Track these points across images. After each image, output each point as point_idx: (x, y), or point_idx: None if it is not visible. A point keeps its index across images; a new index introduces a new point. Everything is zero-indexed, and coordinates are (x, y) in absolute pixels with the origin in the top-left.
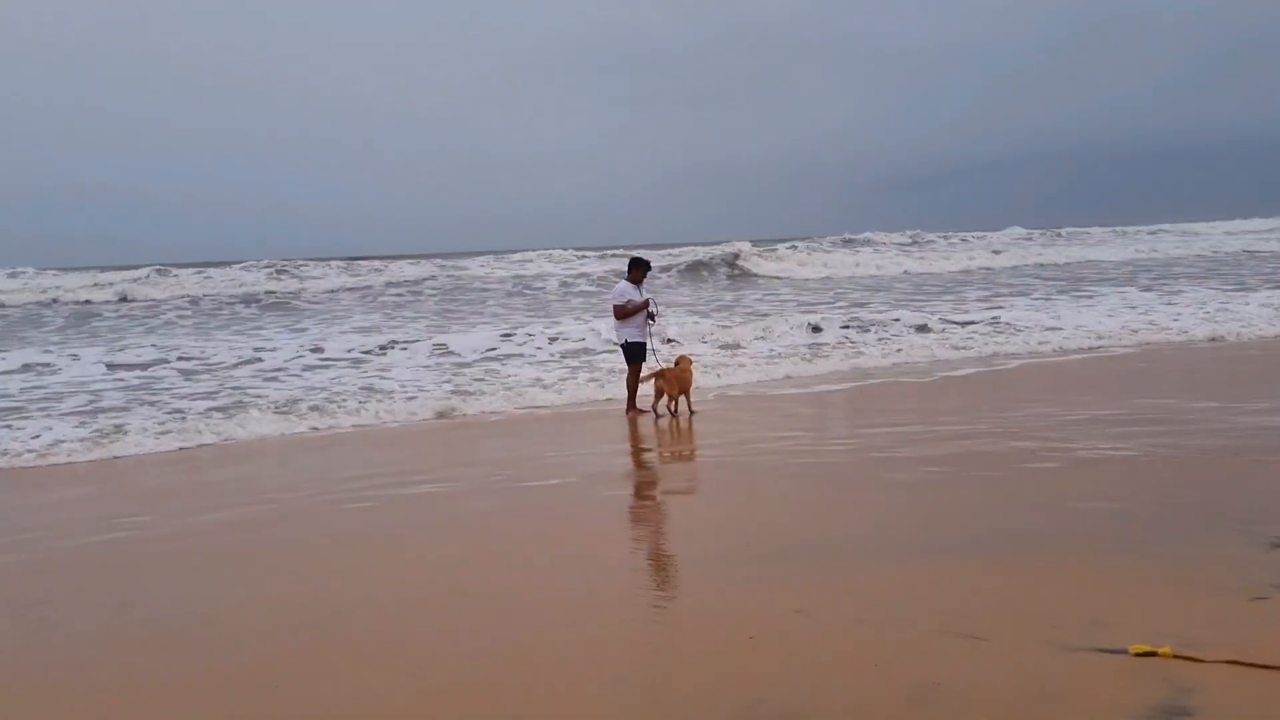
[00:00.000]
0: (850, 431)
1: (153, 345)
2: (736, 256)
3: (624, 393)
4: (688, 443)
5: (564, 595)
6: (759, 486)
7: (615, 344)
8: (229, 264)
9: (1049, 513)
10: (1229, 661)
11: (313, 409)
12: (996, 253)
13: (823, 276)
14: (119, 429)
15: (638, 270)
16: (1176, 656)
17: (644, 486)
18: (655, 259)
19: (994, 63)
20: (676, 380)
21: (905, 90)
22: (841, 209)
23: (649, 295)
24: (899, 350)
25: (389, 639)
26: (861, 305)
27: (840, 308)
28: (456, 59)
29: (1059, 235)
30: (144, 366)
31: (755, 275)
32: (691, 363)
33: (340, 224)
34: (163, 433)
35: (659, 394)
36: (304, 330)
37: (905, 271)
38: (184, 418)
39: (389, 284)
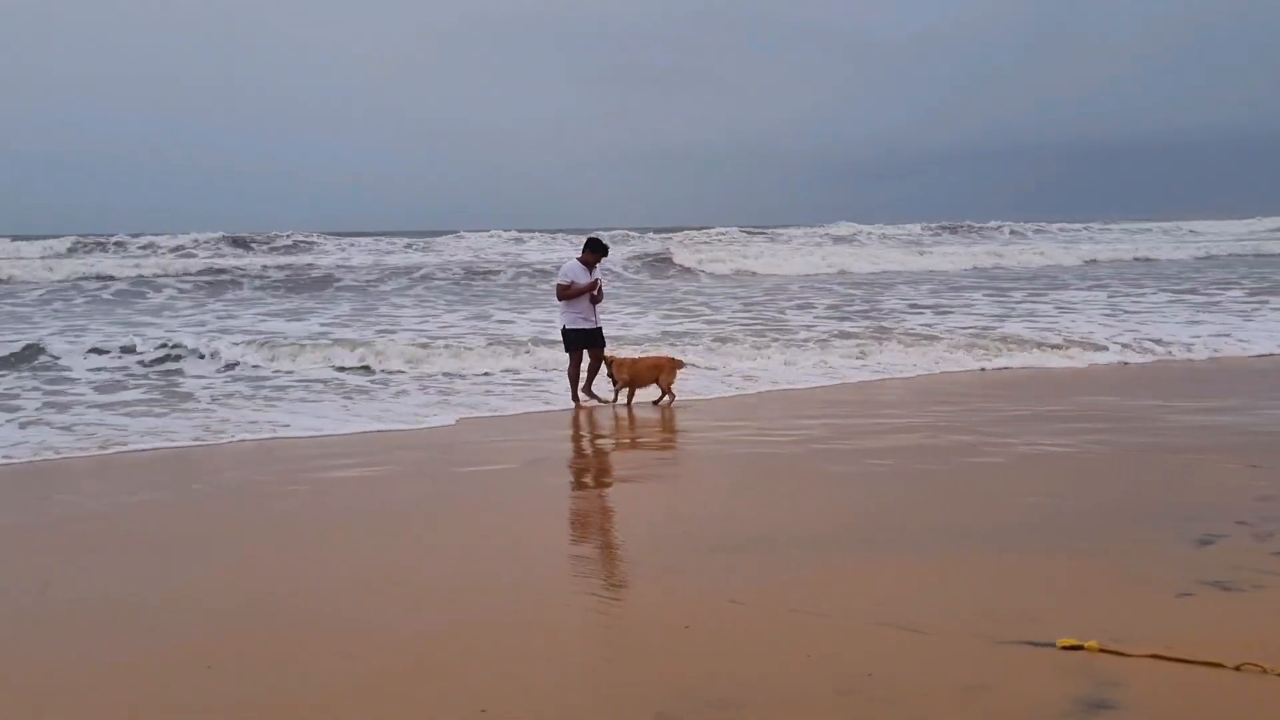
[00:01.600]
0: (793, 424)
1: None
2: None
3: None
4: (631, 432)
5: (501, 582)
6: (702, 476)
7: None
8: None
9: (987, 507)
10: (1153, 656)
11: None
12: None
13: (779, 272)
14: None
15: (591, 253)
16: (1103, 650)
17: (583, 474)
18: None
19: (965, 57)
20: (646, 371)
21: (873, 80)
22: (802, 197)
23: (598, 278)
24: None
25: (321, 624)
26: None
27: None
28: (407, 26)
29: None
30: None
31: (687, 269)
32: (675, 364)
33: (285, 195)
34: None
35: (631, 380)
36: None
37: (841, 272)
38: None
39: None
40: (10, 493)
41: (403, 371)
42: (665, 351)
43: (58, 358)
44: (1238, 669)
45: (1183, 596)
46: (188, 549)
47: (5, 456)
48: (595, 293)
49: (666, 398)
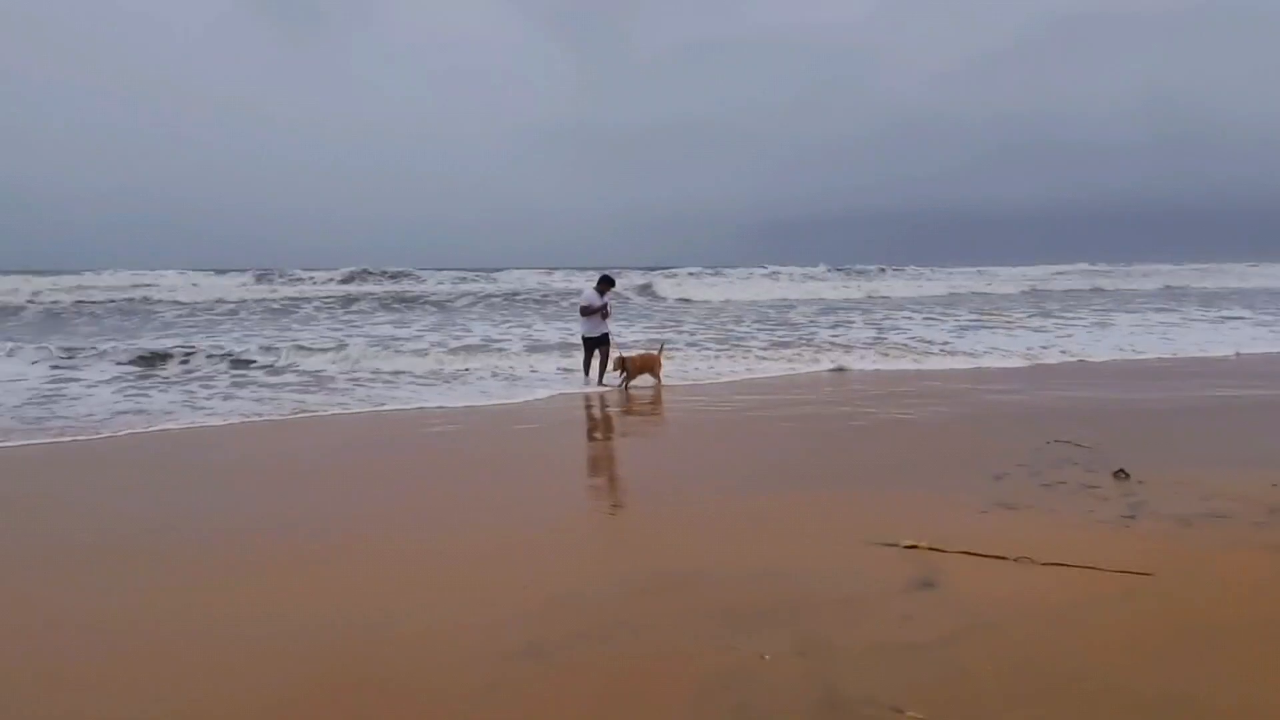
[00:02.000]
0: (732, 400)
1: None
2: (649, 285)
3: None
4: (629, 404)
5: (540, 500)
6: (673, 433)
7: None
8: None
9: (857, 454)
10: (962, 552)
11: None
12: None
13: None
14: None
15: (604, 284)
16: (930, 549)
17: (593, 431)
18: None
19: (832, 151)
20: (641, 363)
21: (774, 167)
22: (728, 246)
23: (607, 301)
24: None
25: (425, 527)
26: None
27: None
28: (474, 130)
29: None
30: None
31: (661, 297)
32: (658, 356)
33: (404, 238)
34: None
35: (623, 371)
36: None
37: (782, 298)
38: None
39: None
40: (249, 442)
41: (467, 369)
42: (652, 350)
43: (232, 353)
44: (1016, 560)
45: (982, 514)
46: (366, 481)
47: (223, 418)
48: (605, 312)
49: (656, 382)
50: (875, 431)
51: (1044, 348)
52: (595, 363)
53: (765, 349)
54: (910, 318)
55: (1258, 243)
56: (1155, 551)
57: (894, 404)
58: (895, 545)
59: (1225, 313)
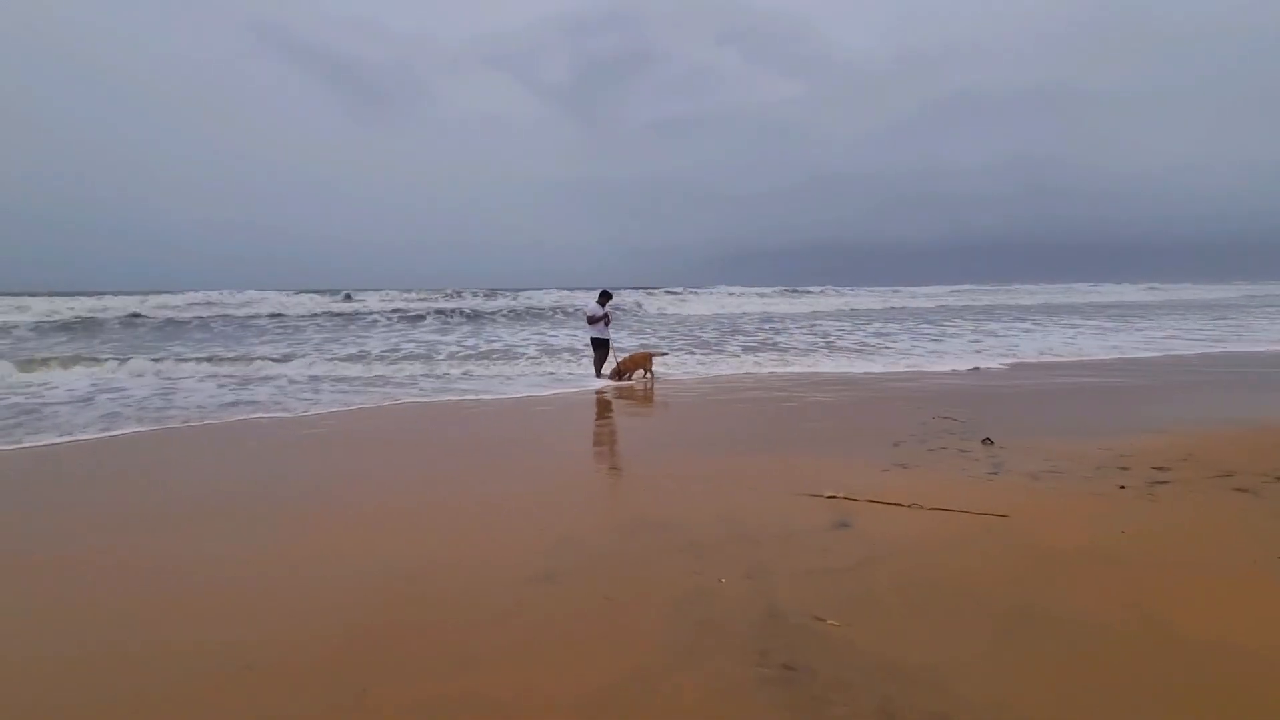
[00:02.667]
0: (694, 389)
1: None
2: (639, 304)
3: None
4: (630, 392)
5: (552, 463)
6: (655, 412)
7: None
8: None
9: (791, 427)
10: (869, 500)
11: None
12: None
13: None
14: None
15: (603, 298)
16: (846, 499)
17: (600, 412)
18: (593, 292)
19: (772, 199)
20: (631, 361)
21: (728, 211)
22: (694, 270)
23: (607, 311)
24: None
25: (468, 487)
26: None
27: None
28: (494, 187)
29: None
30: None
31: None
32: (648, 354)
33: (458, 262)
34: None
35: (625, 368)
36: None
37: (745, 311)
38: None
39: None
40: (345, 422)
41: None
42: (646, 350)
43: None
44: (909, 506)
45: (884, 472)
46: (422, 452)
47: (344, 405)
48: (606, 319)
49: (649, 376)
50: (803, 410)
51: (976, 352)
52: (609, 359)
53: (726, 354)
54: (843, 326)
55: (1093, 268)
56: (1012, 499)
57: (817, 391)
58: (819, 496)
59: (1068, 320)
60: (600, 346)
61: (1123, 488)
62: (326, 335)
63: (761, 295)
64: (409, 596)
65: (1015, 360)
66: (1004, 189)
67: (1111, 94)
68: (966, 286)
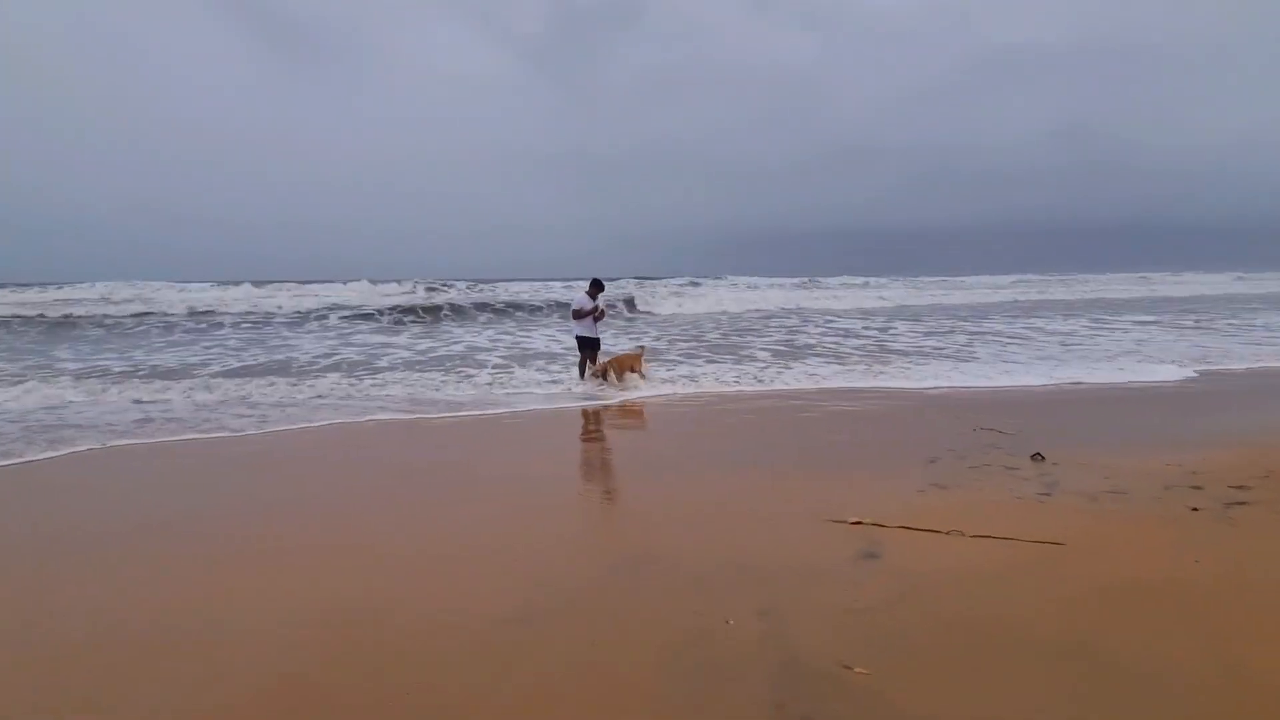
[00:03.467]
0: (697, 396)
1: None
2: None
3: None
4: (620, 397)
5: (531, 481)
6: (649, 424)
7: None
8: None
9: (811, 441)
10: (902, 526)
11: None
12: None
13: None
14: None
15: (594, 288)
16: (874, 524)
17: (586, 421)
18: (583, 283)
19: (783, 173)
20: (619, 363)
21: (739, 189)
22: (699, 259)
23: (599, 305)
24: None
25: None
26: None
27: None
28: (456, 160)
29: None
30: None
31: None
32: (640, 354)
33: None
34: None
35: (611, 369)
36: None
37: (724, 312)
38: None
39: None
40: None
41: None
42: (632, 349)
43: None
44: (948, 533)
45: (919, 493)
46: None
47: (387, 412)
48: (598, 315)
49: (641, 378)
50: (824, 422)
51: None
52: (597, 362)
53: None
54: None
55: (1163, 255)
56: (1067, 524)
57: (839, 398)
58: (842, 521)
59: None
60: (588, 346)
61: (1195, 510)
62: (247, 337)
63: (799, 287)
64: (349, 646)
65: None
66: (1054, 163)
67: (1182, 51)
68: (1028, 276)
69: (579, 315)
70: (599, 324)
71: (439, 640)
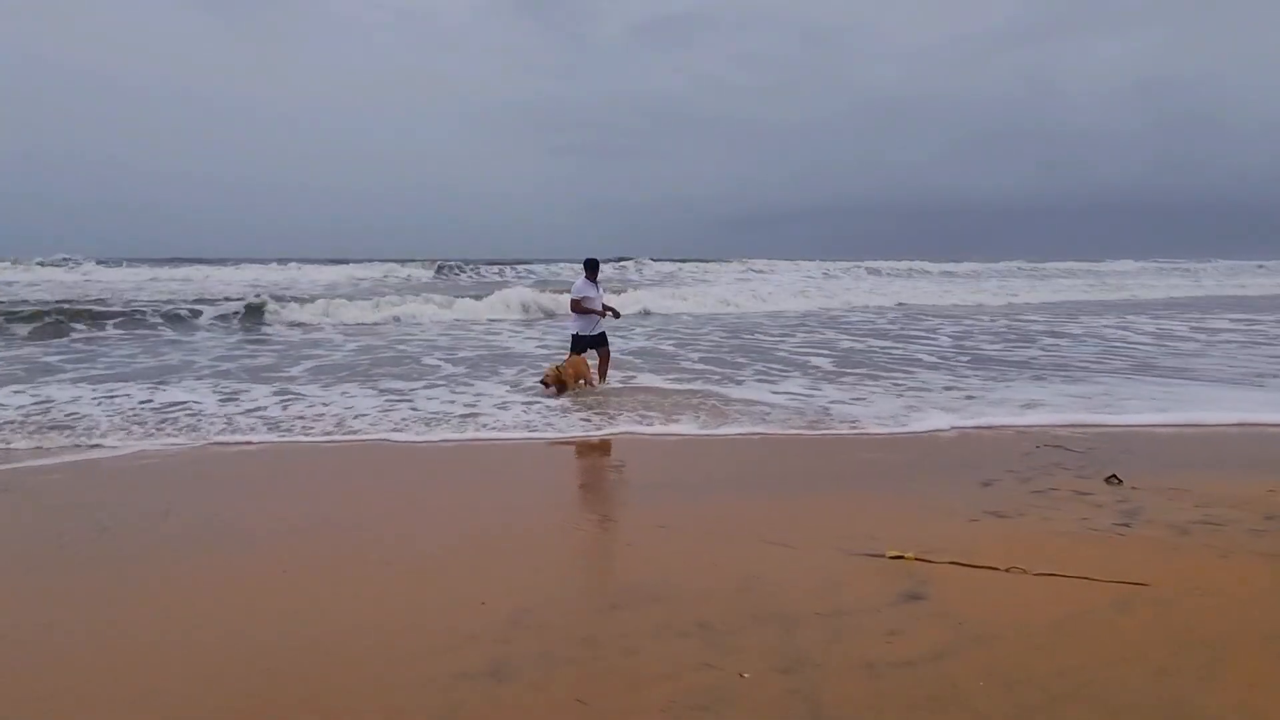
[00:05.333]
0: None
1: None
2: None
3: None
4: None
5: (501, 508)
6: (635, 441)
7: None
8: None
9: (832, 461)
10: (951, 563)
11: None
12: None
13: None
14: None
15: (592, 270)
16: (917, 559)
17: (585, 450)
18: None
19: (815, 139)
20: (572, 368)
21: (748, 152)
22: (703, 238)
23: (604, 299)
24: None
25: (392, 548)
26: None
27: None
28: (437, 114)
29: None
30: None
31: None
32: (584, 362)
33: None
34: None
35: (562, 378)
36: None
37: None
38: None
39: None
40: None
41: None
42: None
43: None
44: (1007, 571)
45: (971, 522)
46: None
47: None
48: (603, 308)
49: (596, 383)
50: (848, 438)
51: None
52: (600, 365)
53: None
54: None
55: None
56: (1151, 561)
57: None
58: (880, 555)
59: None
60: (588, 344)
61: None
62: (132, 352)
63: (834, 275)
64: (267, 702)
65: None
66: (1132, 124)
67: None
68: (1123, 262)
69: (581, 310)
70: (602, 319)
71: (385, 698)
